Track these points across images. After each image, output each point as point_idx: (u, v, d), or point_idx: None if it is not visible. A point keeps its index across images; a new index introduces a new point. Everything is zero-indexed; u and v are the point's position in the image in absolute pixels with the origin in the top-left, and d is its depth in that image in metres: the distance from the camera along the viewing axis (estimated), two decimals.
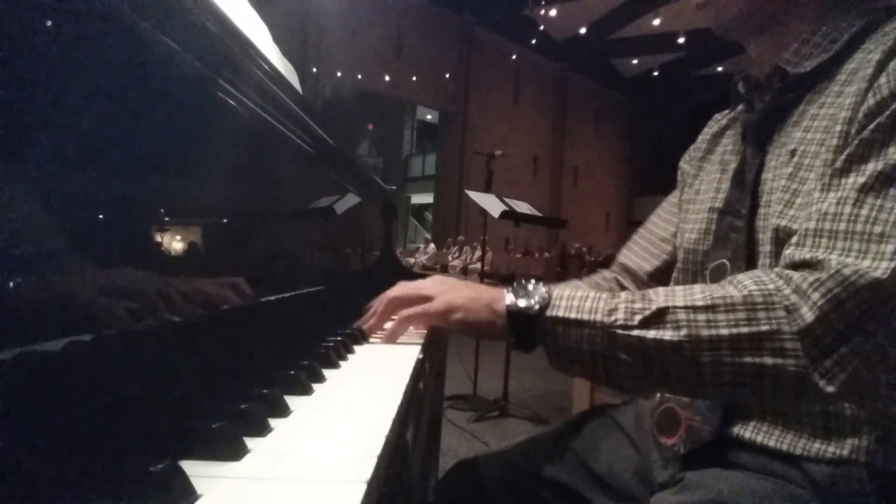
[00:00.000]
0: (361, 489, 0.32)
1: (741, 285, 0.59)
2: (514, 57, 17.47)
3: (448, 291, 0.71)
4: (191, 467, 0.32)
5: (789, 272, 0.57)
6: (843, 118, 0.63)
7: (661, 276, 0.96)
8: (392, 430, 0.42)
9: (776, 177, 0.70)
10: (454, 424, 2.96)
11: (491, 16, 15.93)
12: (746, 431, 0.69)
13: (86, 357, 0.37)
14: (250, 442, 0.38)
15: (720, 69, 17.87)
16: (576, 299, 0.62)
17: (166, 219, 0.49)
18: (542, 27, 15.66)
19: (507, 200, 3.40)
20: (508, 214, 3.28)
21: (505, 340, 0.67)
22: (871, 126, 0.59)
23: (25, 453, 0.31)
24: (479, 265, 7.77)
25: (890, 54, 0.61)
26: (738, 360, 0.56)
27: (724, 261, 0.74)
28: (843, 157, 0.60)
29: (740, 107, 0.86)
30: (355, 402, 0.51)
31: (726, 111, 0.92)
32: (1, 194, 0.31)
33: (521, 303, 0.64)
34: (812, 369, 0.54)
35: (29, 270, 0.33)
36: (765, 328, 0.55)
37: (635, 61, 18.82)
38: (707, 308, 0.57)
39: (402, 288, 0.77)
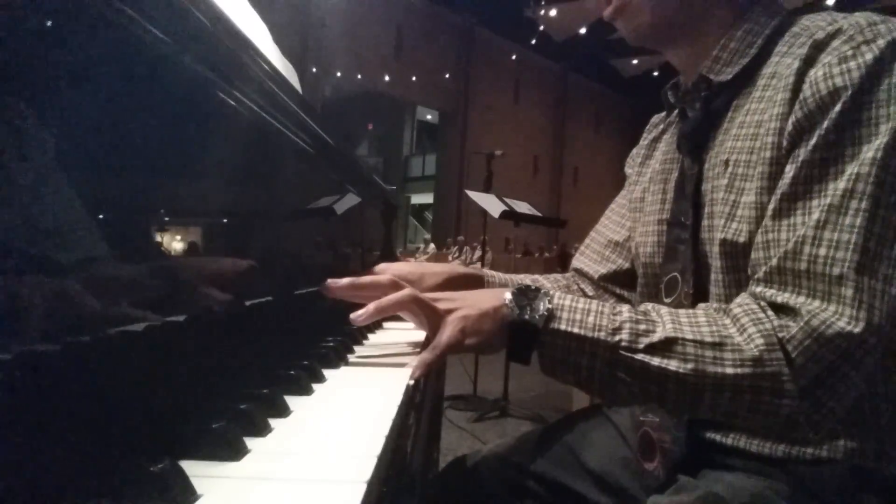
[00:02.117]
0: (361, 489, 0.32)
1: (740, 325, 0.58)
2: (514, 57, 17.47)
3: (458, 309, 0.64)
4: (191, 467, 0.32)
5: (771, 314, 0.58)
6: (772, 129, 0.63)
7: (613, 280, 0.96)
8: (392, 430, 0.42)
9: (715, 188, 0.70)
10: (454, 424, 2.96)
11: (491, 16, 15.94)
12: (728, 439, 0.70)
13: (86, 357, 0.37)
14: (250, 442, 0.38)
15: None
16: (577, 311, 0.61)
17: (166, 219, 0.49)
18: (542, 27, 15.63)
19: (507, 200, 3.39)
20: (508, 214, 3.28)
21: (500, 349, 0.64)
22: (809, 146, 0.59)
23: (25, 453, 0.31)
24: (479, 265, 7.78)
25: (808, 62, 0.61)
26: (737, 396, 0.57)
27: (676, 274, 0.74)
28: (788, 179, 0.60)
29: (675, 111, 0.85)
30: (355, 402, 0.51)
31: (663, 114, 0.92)
32: (1, 194, 0.31)
33: (525, 314, 0.61)
34: (798, 410, 0.56)
35: (30, 270, 0.33)
36: (769, 370, 0.55)
37: (635, 61, 18.80)
38: (714, 345, 0.57)
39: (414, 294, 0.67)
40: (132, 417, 0.39)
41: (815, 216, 0.58)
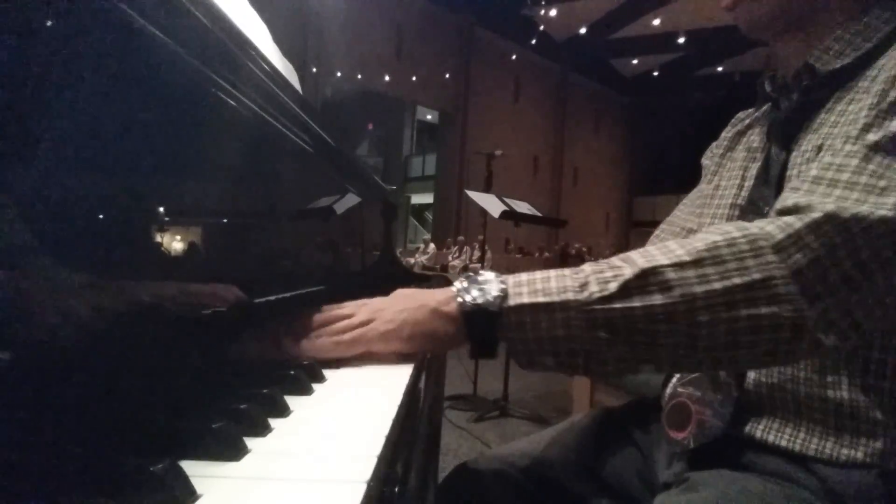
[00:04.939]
0: (361, 489, 0.32)
1: (723, 230, 0.55)
2: (514, 57, 17.48)
3: (383, 310, 0.61)
4: (191, 467, 0.32)
5: (778, 218, 0.55)
6: (869, 104, 0.62)
7: None
8: (392, 430, 0.42)
9: (802, 172, 0.69)
10: (454, 424, 2.96)
11: (491, 16, 15.94)
12: (757, 430, 0.67)
13: (86, 357, 0.37)
14: (250, 442, 0.38)
15: (720, 69, 17.89)
16: (538, 281, 0.56)
17: (166, 219, 0.49)
18: (541, 27, 15.67)
19: (507, 200, 3.40)
20: (508, 214, 3.28)
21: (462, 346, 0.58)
22: (893, 98, 0.58)
23: (25, 453, 0.31)
24: (479, 265, 7.77)
25: None
26: (733, 313, 0.51)
27: None
28: (860, 126, 0.59)
29: (765, 106, 0.86)
30: (355, 402, 0.51)
31: (750, 110, 0.92)
32: (0, 194, 0.31)
33: (479, 299, 0.55)
34: (807, 315, 0.51)
35: (29, 270, 0.33)
36: (757, 276, 0.51)
37: (635, 61, 18.83)
38: (695, 263, 0.53)
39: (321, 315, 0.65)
40: (132, 417, 0.39)
41: (874, 139, 0.56)
